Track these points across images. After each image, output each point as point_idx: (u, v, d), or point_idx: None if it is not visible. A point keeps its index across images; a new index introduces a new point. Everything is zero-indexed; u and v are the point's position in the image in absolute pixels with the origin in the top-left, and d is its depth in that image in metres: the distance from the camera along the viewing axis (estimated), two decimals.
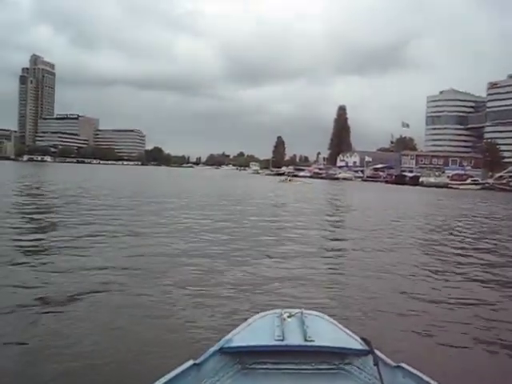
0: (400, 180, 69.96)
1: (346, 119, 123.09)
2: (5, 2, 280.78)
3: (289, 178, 57.63)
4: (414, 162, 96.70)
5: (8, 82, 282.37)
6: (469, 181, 67.51)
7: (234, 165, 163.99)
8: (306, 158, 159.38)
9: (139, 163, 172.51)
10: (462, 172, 77.91)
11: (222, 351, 2.00)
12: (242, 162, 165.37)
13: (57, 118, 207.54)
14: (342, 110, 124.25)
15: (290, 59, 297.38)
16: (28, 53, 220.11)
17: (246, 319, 2.28)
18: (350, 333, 2.15)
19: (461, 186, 62.44)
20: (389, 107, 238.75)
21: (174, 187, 30.57)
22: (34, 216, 11.99)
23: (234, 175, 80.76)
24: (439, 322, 4.83)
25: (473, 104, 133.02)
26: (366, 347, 2.01)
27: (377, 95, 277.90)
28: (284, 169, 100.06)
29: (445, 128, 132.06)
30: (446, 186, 63.24)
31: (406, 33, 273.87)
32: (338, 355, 2.03)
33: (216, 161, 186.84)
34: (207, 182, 45.61)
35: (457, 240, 11.57)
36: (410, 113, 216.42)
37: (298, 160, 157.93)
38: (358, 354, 2.02)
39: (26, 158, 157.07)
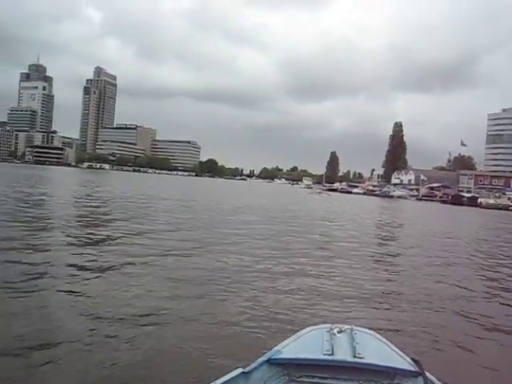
0: (457, 200, 67.87)
1: (402, 136, 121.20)
2: (80, 16, 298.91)
3: (319, 191, 68.06)
4: (472, 182, 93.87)
5: (75, 92, 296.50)
6: None
7: (286, 179, 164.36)
8: (360, 175, 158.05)
9: (193, 174, 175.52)
10: None
11: (271, 362, 2.02)
12: (294, 176, 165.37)
13: (116, 128, 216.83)
14: (398, 127, 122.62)
15: (350, 74, 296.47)
16: (94, 64, 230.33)
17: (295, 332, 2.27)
18: (400, 352, 2.09)
19: None
20: (448, 125, 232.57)
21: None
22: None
23: (284, 190, 79.43)
24: None
25: None
26: (416, 368, 1.98)
27: (437, 112, 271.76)
28: (337, 185, 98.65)
29: (506, 147, 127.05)
30: (506, 208, 60.81)
31: (470, 49, 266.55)
32: (386, 374, 2.00)
33: (269, 174, 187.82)
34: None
35: None
36: (471, 131, 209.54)
37: (351, 176, 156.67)
38: (408, 374, 1.98)
39: (85, 165, 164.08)
